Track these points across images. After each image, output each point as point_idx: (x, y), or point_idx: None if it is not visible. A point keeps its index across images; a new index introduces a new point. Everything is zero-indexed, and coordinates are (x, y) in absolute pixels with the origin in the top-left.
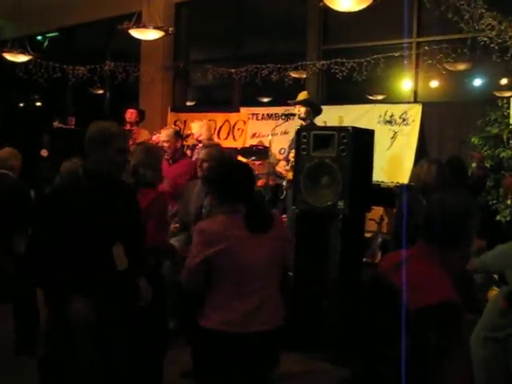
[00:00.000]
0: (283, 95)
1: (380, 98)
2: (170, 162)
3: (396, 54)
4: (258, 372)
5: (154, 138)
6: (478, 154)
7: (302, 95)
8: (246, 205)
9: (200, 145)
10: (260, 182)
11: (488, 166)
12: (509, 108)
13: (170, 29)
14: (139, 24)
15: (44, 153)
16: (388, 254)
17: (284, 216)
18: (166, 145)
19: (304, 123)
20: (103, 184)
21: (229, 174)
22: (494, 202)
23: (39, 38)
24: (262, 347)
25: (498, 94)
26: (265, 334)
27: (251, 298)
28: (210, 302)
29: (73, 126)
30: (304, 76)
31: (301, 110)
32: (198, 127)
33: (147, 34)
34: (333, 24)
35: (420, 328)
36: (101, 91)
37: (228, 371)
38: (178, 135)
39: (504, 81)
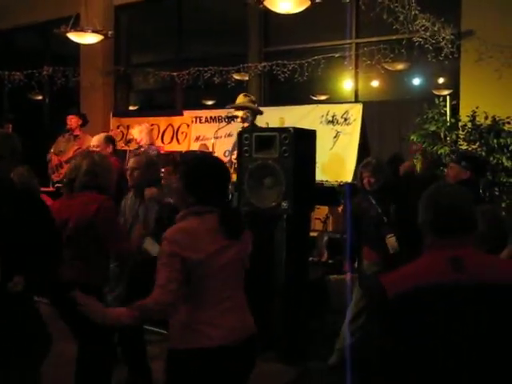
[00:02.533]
0: (226, 98)
1: (322, 98)
2: None
3: (336, 55)
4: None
5: None
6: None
7: (240, 98)
8: (220, 206)
9: (142, 149)
10: None
11: None
12: (445, 106)
13: (110, 32)
14: (77, 27)
15: None
16: (388, 275)
17: None
18: (96, 150)
19: (245, 125)
20: None
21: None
22: None
23: None
24: (249, 353)
25: (435, 93)
26: (250, 338)
27: (232, 305)
28: (197, 318)
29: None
30: (246, 78)
31: (240, 113)
32: (137, 133)
33: (85, 38)
34: (274, 26)
35: None
36: (39, 97)
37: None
38: (110, 140)
39: (441, 80)
